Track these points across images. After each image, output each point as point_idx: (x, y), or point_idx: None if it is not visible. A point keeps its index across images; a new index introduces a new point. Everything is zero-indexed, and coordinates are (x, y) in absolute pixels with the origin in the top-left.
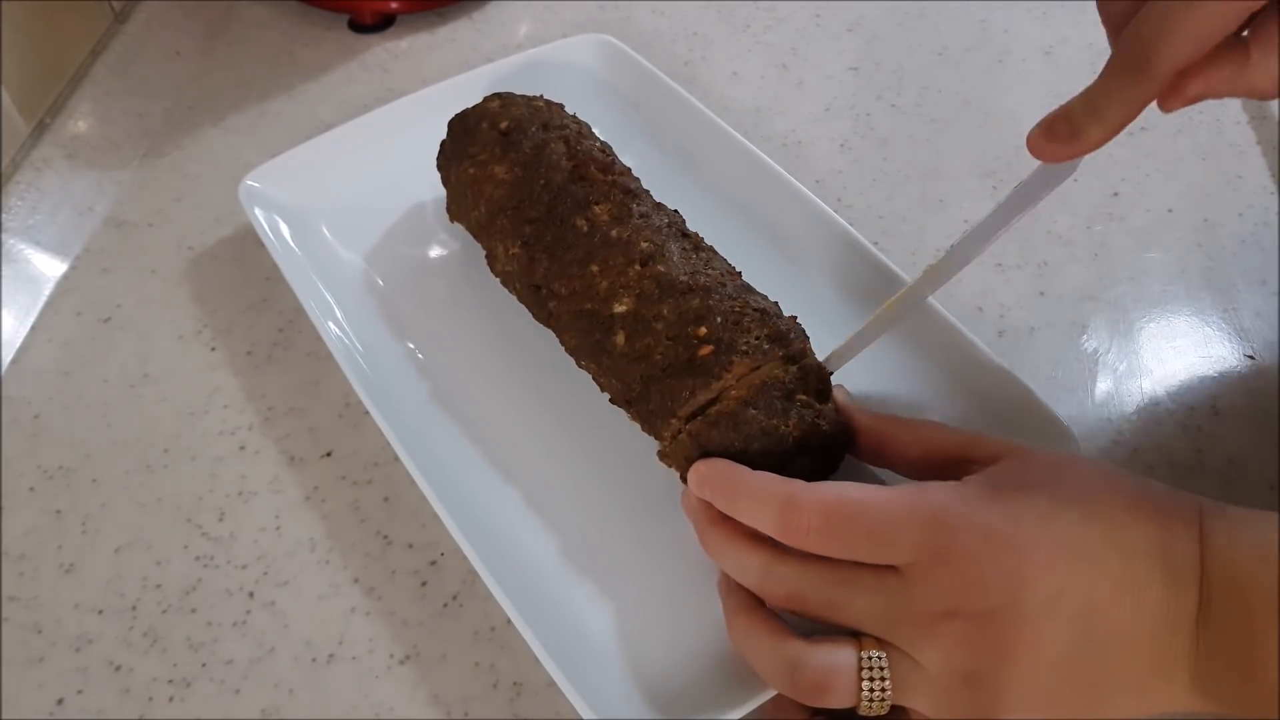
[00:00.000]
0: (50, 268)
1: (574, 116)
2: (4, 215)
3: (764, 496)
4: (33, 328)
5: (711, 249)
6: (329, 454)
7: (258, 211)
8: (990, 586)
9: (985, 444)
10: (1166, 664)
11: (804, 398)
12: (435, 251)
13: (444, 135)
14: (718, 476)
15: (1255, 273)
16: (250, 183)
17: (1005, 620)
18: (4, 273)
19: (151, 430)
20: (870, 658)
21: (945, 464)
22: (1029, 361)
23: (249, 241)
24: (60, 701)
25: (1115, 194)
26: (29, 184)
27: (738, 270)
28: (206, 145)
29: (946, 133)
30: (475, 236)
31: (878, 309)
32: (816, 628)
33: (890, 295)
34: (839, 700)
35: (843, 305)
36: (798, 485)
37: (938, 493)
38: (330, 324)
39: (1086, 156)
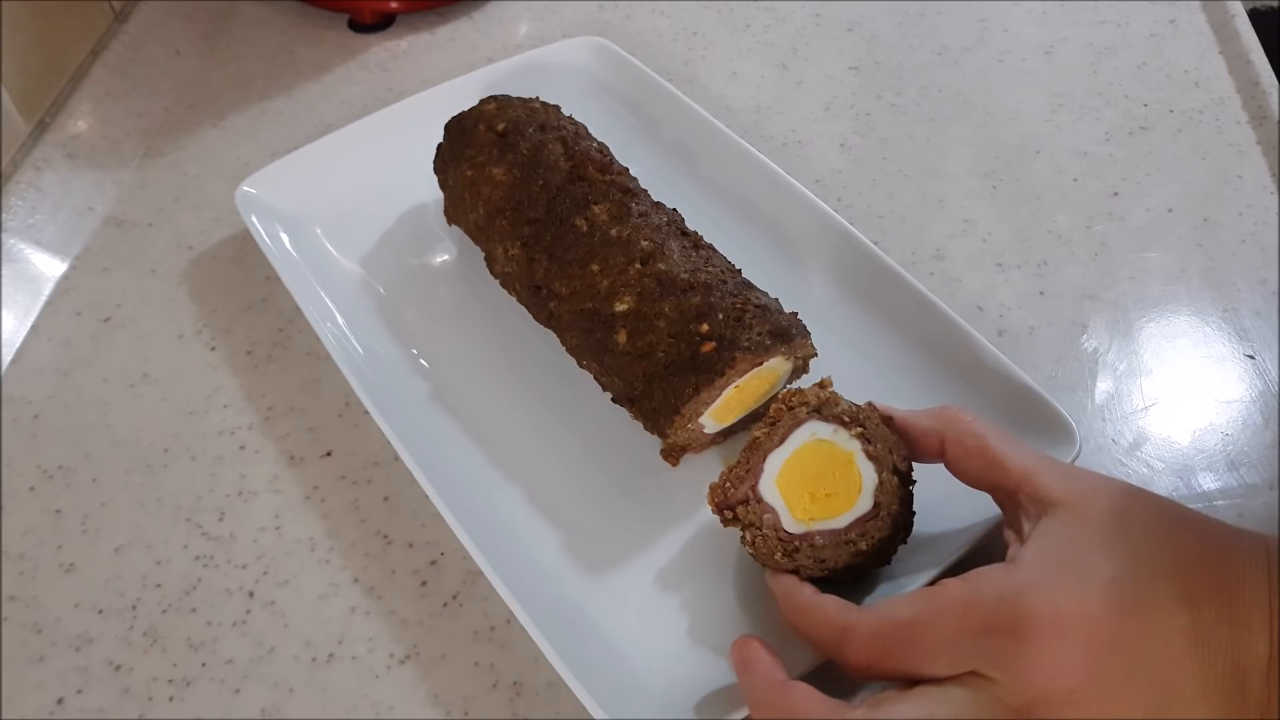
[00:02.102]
0: (50, 267)
1: (570, 118)
2: (4, 215)
3: (821, 627)
4: (32, 327)
5: (711, 247)
6: (329, 454)
7: (255, 218)
8: (1067, 669)
9: (1040, 483)
10: (1239, 712)
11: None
12: (433, 254)
13: (440, 138)
14: (782, 594)
15: (1255, 272)
16: (246, 189)
17: (1087, 697)
18: (4, 272)
19: (151, 430)
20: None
21: (997, 487)
22: (1029, 361)
23: (249, 241)
24: (60, 701)
25: (1115, 194)
26: (29, 183)
27: (737, 268)
28: (206, 145)
29: (946, 132)
30: (473, 239)
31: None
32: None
33: (889, 299)
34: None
35: (842, 304)
36: (852, 614)
37: (992, 586)
38: (329, 326)
39: (1087, 159)
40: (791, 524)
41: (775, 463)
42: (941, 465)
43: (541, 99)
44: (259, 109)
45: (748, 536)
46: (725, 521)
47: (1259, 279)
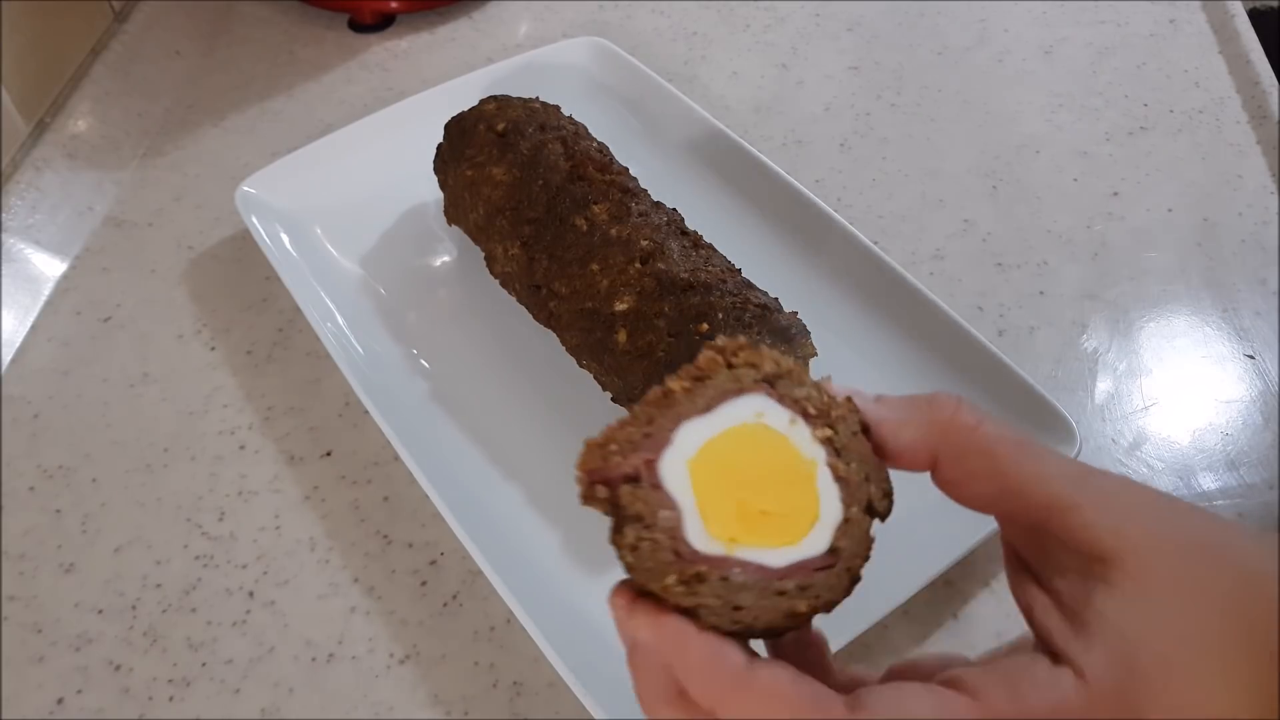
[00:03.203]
0: (50, 267)
1: (570, 118)
2: (4, 215)
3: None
4: (32, 327)
5: (711, 246)
6: (329, 453)
7: (254, 218)
8: None
9: (1078, 527)
10: None
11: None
12: (434, 254)
13: (440, 139)
14: (660, 645)
15: (1255, 272)
16: (246, 189)
17: None
18: (4, 272)
19: (151, 430)
20: None
21: (1010, 519)
22: (1029, 361)
23: (248, 241)
24: (60, 701)
25: (1115, 193)
26: (29, 183)
27: (737, 268)
28: (206, 145)
29: (946, 132)
30: (473, 238)
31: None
32: None
33: (889, 299)
34: None
35: (842, 304)
36: (833, 709)
37: (1052, 708)
38: (329, 326)
39: (1087, 159)
40: (701, 537)
41: (693, 437)
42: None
43: (541, 99)
44: (259, 109)
45: (628, 535)
46: (588, 499)
47: (1259, 279)
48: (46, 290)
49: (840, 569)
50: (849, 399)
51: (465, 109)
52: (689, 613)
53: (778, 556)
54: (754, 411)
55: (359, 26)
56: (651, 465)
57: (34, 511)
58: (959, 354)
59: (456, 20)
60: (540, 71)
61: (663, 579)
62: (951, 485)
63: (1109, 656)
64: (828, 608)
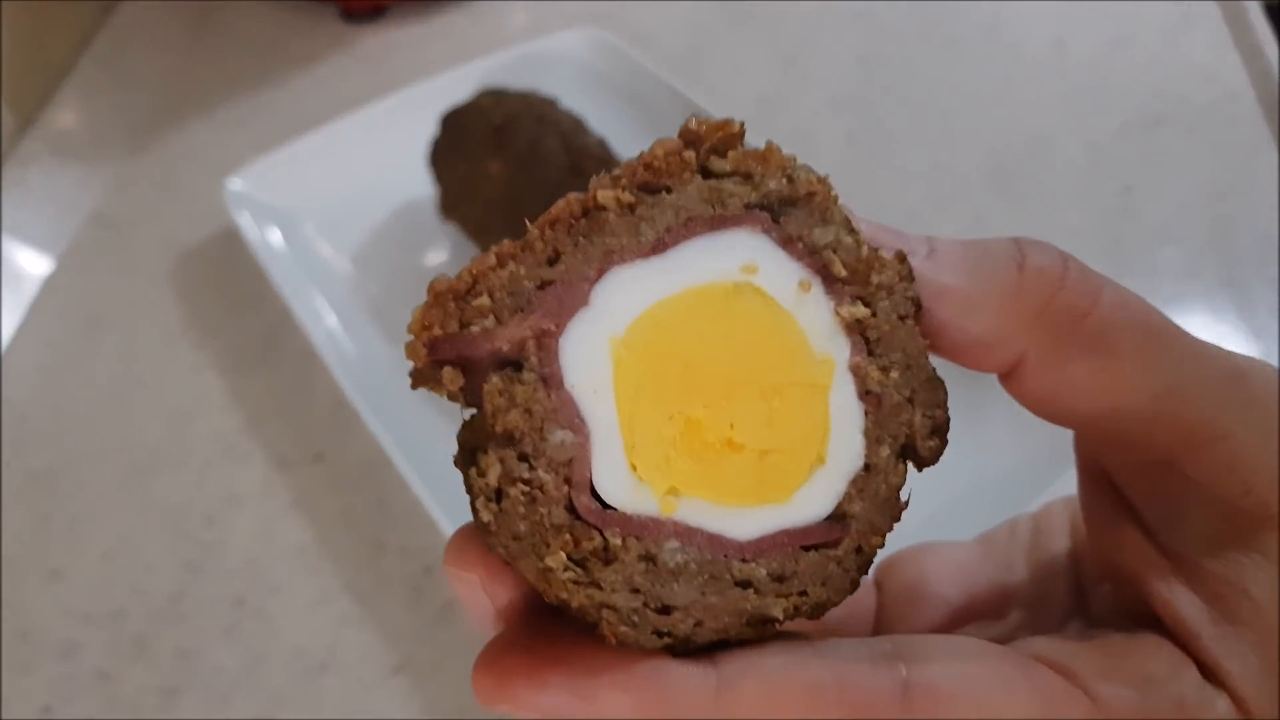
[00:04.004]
0: (36, 266)
1: (569, 111)
2: None
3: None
4: (18, 328)
5: None
6: (320, 457)
7: (243, 214)
8: None
9: (1240, 462)
10: None
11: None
12: (429, 250)
13: (435, 131)
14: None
15: (1270, 270)
16: (235, 184)
17: None
18: None
19: (138, 433)
20: None
21: (1138, 442)
22: None
23: (238, 238)
24: (47, 708)
25: (1128, 190)
26: (15, 180)
27: None
28: (195, 140)
29: (956, 126)
30: (470, 234)
31: None
32: None
33: None
34: None
35: None
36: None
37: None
38: (320, 327)
39: (1099, 154)
40: (620, 482)
41: (626, 299)
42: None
43: (539, 92)
44: (249, 102)
45: (489, 470)
46: (422, 380)
47: (1274, 276)
48: (32, 290)
49: (847, 548)
50: (902, 256)
51: (461, 102)
52: (577, 618)
53: (745, 521)
54: (740, 262)
55: (351, 17)
56: (548, 342)
57: (20, 515)
58: None
59: (451, 11)
60: (537, 63)
61: (541, 554)
62: (1039, 398)
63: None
64: (817, 612)
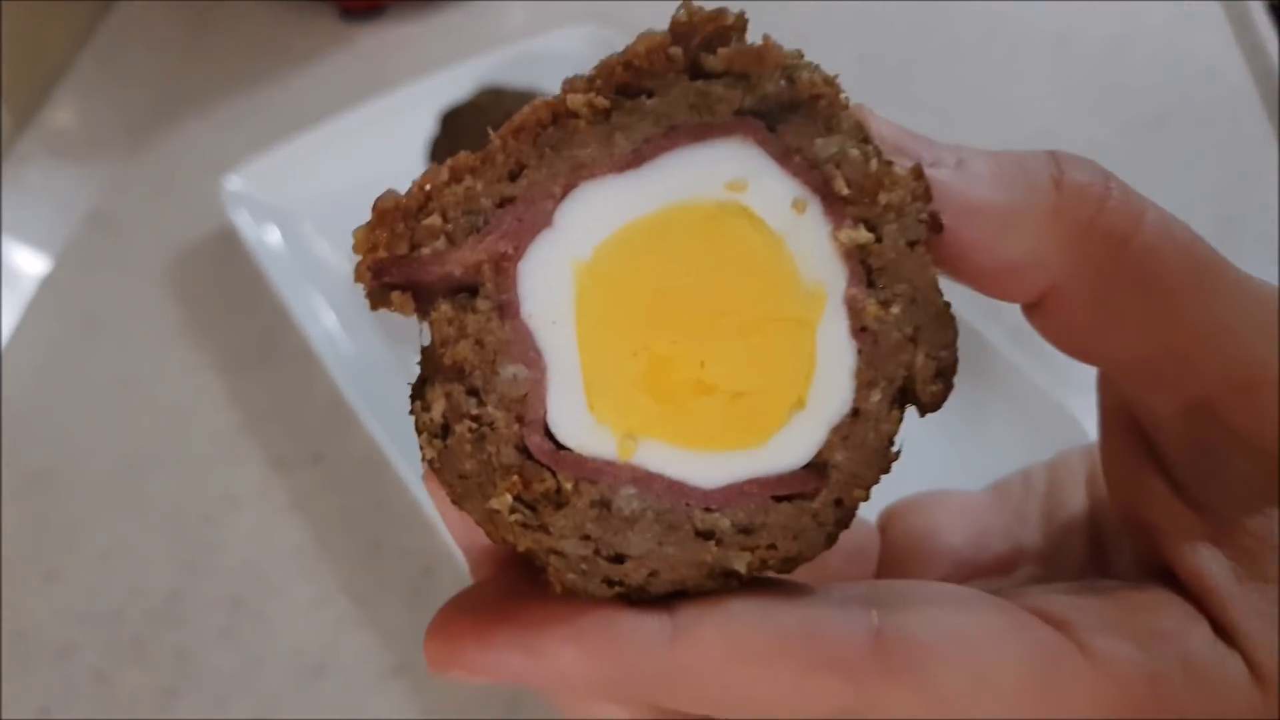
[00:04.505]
0: (33, 265)
1: None
2: None
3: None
4: (15, 327)
5: None
6: (318, 457)
7: (241, 213)
8: None
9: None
10: None
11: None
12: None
13: (433, 130)
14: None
15: (1273, 270)
16: (232, 182)
17: None
18: None
19: (136, 433)
20: None
21: (1173, 386)
22: (1038, 360)
23: (236, 237)
24: (45, 709)
25: None
26: (12, 179)
27: None
28: (193, 138)
29: (957, 125)
30: None
31: None
32: None
33: None
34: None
35: None
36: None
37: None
38: (318, 326)
39: (1101, 152)
40: (576, 422)
41: (595, 219)
42: None
43: (538, 90)
44: (246, 100)
45: (434, 402)
46: (377, 302)
47: (1275, 276)
48: (29, 289)
49: (825, 500)
50: (918, 171)
51: (460, 100)
52: (524, 562)
53: (711, 467)
54: (727, 177)
55: (349, 15)
56: (505, 266)
57: (17, 515)
58: (969, 355)
59: (449, 9)
60: (537, 61)
61: (488, 495)
62: (1072, 333)
63: None
64: (786, 566)
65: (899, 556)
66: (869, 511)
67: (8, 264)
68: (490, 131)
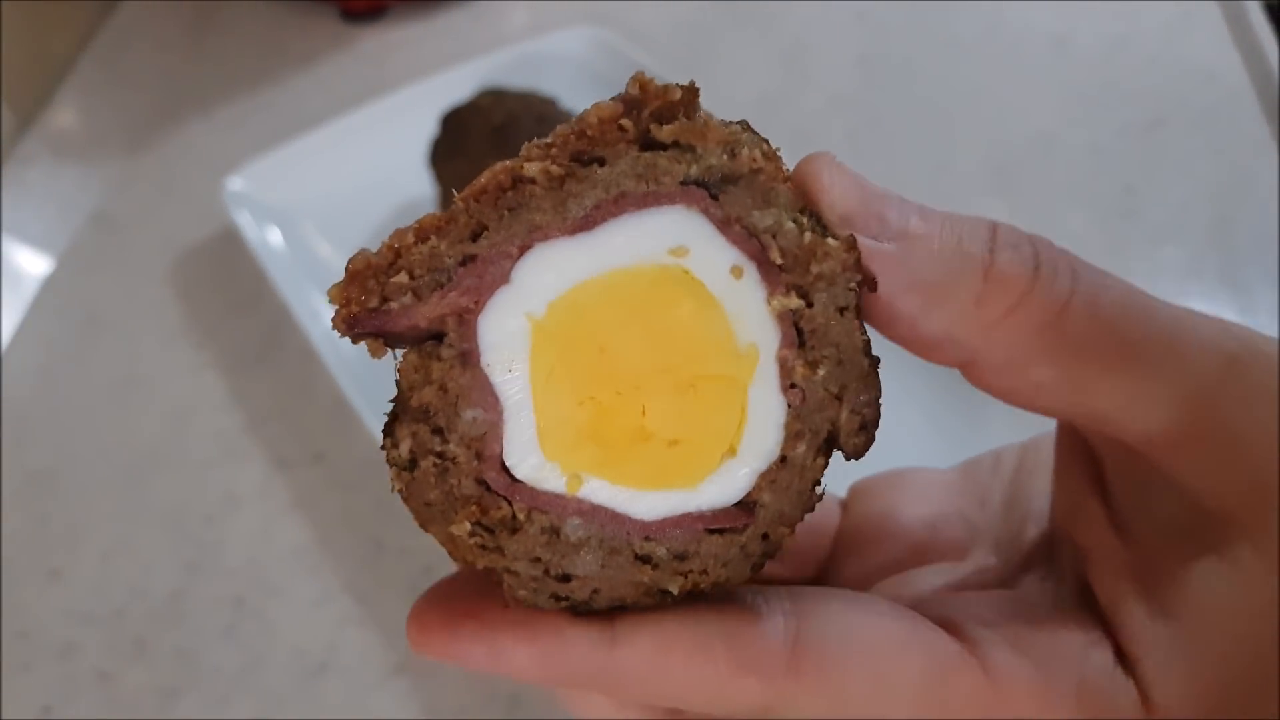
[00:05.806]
0: (35, 265)
1: (568, 111)
2: None
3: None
4: (17, 328)
5: None
6: (320, 457)
7: (242, 213)
8: None
9: (1204, 468)
10: None
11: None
12: None
13: (434, 131)
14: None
15: (1272, 270)
16: (234, 183)
17: None
18: None
19: (138, 433)
20: None
21: (1104, 434)
22: None
23: (237, 238)
24: (47, 709)
25: (1129, 189)
26: (14, 180)
27: None
28: (195, 139)
29: (956, 126)
30: None
31: None
32: None
33: None
34: None
35: None
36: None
37: (1098, 703)
38: (320, 326)
39: (1100, 154)
40: (529, 460)
41: (549, 277)
42: None
43: (539, 91)
44: (248, 101)
45: (402, 441)
46: (356, 340)
47: (1274, 276)
48: (31, 289)
49: (752, 534)
50: (851, 243)
51: (460, 101)
52: (484, 580)
53: (649, 502)
54: (670, 243)
55: (351, 16)
56: (467, 319)
57: (19, 515)
58: None
59: (450, 10)
60: (537, 63)
61: (449, 520)
62: (999, 394)
63: (1199, 682)
64: (716, 589)
65: (855, 536)
66: (838, 486)
67: (10, 264)
68: (455, 193)
